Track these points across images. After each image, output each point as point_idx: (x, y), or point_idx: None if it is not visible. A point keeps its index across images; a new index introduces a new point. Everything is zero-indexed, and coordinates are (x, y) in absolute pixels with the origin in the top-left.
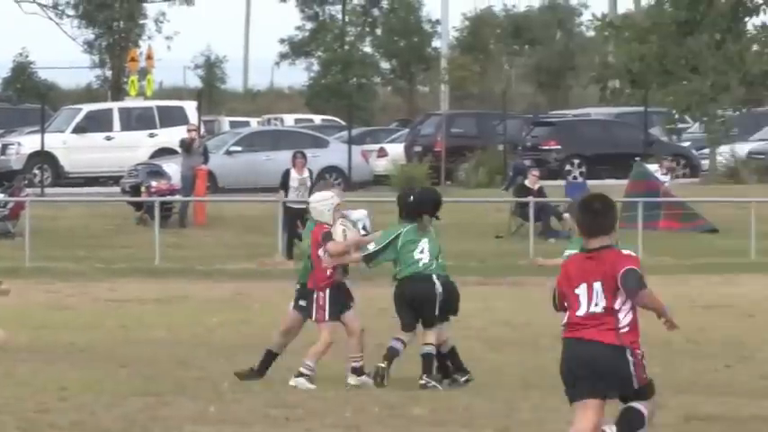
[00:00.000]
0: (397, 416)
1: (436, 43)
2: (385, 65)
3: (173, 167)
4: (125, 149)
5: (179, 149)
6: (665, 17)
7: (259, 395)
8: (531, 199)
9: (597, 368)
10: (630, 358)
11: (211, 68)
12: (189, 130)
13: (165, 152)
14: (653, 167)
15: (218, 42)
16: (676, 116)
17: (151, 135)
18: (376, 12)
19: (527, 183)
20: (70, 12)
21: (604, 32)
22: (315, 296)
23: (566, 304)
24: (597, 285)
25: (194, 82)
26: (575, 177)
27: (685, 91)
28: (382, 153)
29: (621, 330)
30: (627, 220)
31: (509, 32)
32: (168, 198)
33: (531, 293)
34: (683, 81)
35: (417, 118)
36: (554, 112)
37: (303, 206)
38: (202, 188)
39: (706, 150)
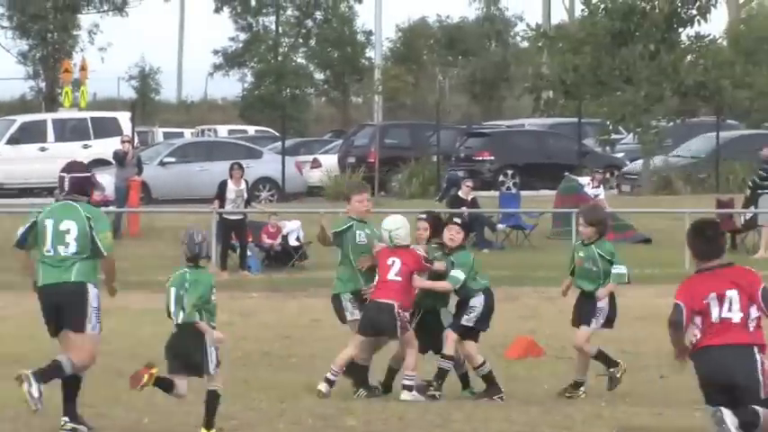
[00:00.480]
0: (332, 427)
1: (370, 54)
2: (319, 76)
3: (107, 178)
4: (59, 160)
5: (113, 161)
6: (599, 28)
7: (193, 406)
8: (464, 210)
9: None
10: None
11: (145, 79)
12: (123, 142)
13: (99, 163)
14: (584, 180)
15: (152, 53)
16: (610, 127)
17: (85, 146)
18: (310, 23)
19: (460, 194)
20: (4, 23)
21: (538, 43)
22: (398, 315)
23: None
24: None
25: (128, 93)
26: (508, 188)
27: (619, 102)
28: (316, 164)
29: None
30: (560, 234)
31: (443, 43)
32: (102, 209)
33: None
34: (617, 92)
35: (351, 129)
36: (488, 123)
37: (239, 217)
38: (136, 199)
39: (639, 161)
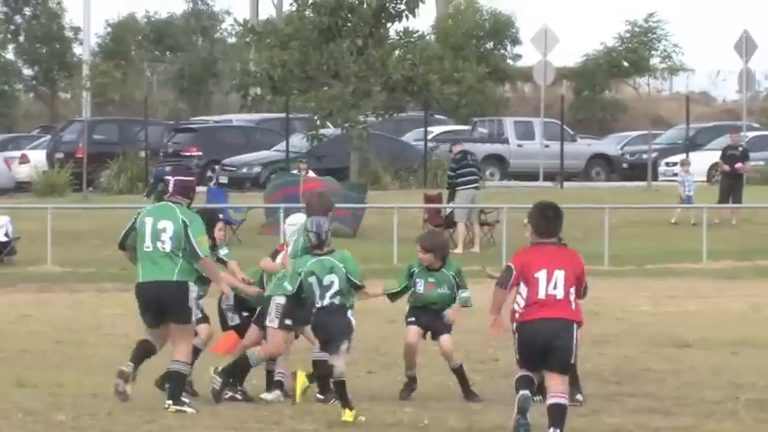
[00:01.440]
0: (41, 422)
1: (78, 50)
2: (27, 71)
3: None
4: None
5: None
6: (306, 23)
7: None
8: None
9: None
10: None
11: None
12: None
13: None
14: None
15: None
16: (318, 122)
17: None
18: (19, 19)
19: None
20: None
21: (246, 39)
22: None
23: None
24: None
25: None
26: (216, 183)
27: (327, 97)
28: (24, 160)
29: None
30: (270, 229)
31: (151, 39)
32: None
33: None
34: (325, 87)
35: (59, 124)
36: (195, 119)
37: None
38: None
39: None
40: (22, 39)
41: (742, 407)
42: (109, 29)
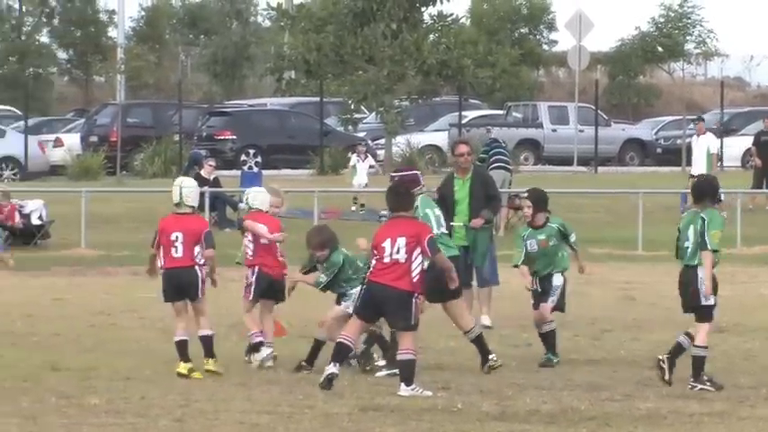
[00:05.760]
0: (74, 405)
1: (113, 33)
2: (62, 55)
3: None
4: None
5: None
6: (341, 7)
7: None
8: (206, 189)
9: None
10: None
11: None
12: None
13: None
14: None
15: None
16: (352, 106)
17: None
18: (53, 2)
19: (203, 173)
20: None
21: (281, 22)
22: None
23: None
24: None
25: None
26: (250, 167)
27: (361, 81)
28: (59, 143)
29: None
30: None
31: (185, 22)
32: None
33: None
34: (359, 71)
35: (93, 108)
36: (230, 102)
37: None
38: None
39: (382, 140)
40: (56, 22)
41: None
42: (143, 12)
